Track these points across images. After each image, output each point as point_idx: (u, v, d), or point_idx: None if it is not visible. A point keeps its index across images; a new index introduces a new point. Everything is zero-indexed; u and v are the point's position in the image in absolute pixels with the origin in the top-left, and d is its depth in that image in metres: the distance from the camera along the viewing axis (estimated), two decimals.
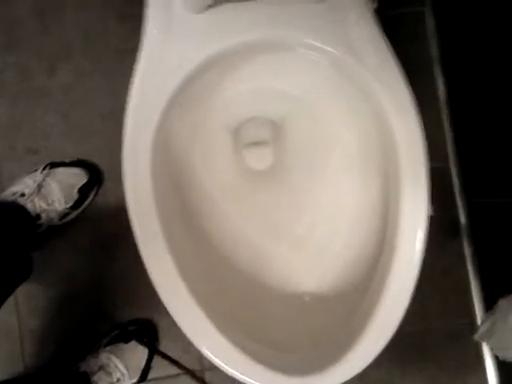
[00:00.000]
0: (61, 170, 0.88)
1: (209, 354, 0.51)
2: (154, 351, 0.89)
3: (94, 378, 0.81)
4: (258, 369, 0.51)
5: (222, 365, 0.51)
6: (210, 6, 0.56)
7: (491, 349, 0.83)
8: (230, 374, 0.52)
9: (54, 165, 0.89)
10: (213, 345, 0.52)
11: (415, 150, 0.56)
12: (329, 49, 0.56)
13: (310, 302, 0.64)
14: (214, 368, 0.81)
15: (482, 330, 0.65)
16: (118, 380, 0.84)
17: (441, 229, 0.97)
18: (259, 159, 0.73)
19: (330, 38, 0.56)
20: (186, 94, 0.58)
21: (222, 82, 0.65)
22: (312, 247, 0.69)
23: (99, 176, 0.92)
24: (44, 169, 0.87)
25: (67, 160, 0.90)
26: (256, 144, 0.72)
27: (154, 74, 0.56)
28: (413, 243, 0.55)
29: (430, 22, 0.98)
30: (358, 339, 0.52)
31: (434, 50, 0.98)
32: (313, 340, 0.57)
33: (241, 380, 0.52)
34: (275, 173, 0.73)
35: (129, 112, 0.55)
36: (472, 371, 0.96)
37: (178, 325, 0.52)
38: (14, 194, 0.83)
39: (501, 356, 0.61)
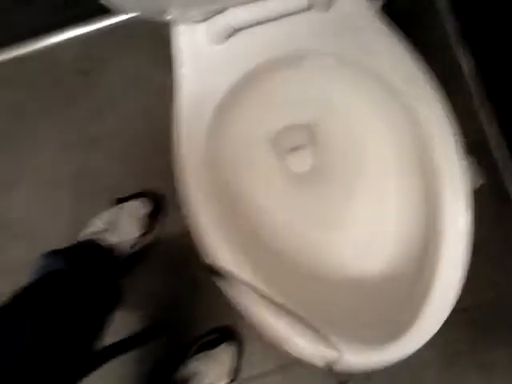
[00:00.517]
0: (127, 204, 0.97)
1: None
2: (240, 350, 0.96)
3: None
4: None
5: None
6: (230, 36, 0.63)
7: None
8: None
9: (120, 200, 0.98)
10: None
11: (445, 133, 0.59)
12: (345, 54, 0.60)
13: (368, 284, 0.68)
14: (299, 362, 0.88)
15: None
16: None
17: (492, 198, 0.97)
18: (300, 162, 0.77)
19: (344, 43, 0.61)
20: (226, 114, 0.64)
21: (254, 98, 0.71)
22: (362, 234, 0.72)
23: (163, 201, 1.00)
24: (113, 206, 0.96)
25: (131, 193, 0.99)
26: (295, 149, 0.77)
27: (194, 105, 0.63)
28: (459, 220, 0.58)
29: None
30: (418, 315, 0.56)
31: (450, 27, 0.98)
32: (377, 318, 0.61)
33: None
34: (317, 172, 0.78)
35: (178, 142, 0.62)
36: None
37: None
38: (90, 234, 0.91)
39: None
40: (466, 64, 0.98)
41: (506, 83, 0.92)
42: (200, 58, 0.64)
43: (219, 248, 0.59)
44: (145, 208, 0.97)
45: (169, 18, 0.59)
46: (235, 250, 0.60)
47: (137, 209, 0.97)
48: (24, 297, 0.64)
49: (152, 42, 1.03)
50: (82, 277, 0.75)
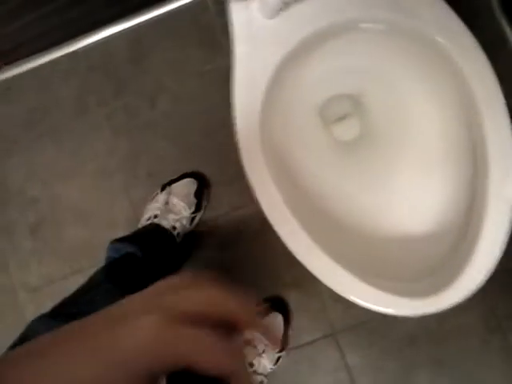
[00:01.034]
0: (175, 185, 1.04)
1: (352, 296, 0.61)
2: (289, 319, 1.01)
3: None
4: (391, 298, 0.60)
5: (362, 302, 0.61)
6: (281, 10, 0.68)
7: None
8: (367, 307, 0.61)
9: (168, 184, 1.05)
10: (353, 288, 0.62)
11: (493, 98, 0.62)
12: (390, 17, 0.64)
13: (418, 236, 0.71)
14: (344, 330, 0.91)
15: None
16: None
17: None
18: (346, 131, 0.82)
19: (387, 8, 0.64)
20: (277, 86, 0.69)
21: (303, 69, 0.75)
22: (409, 195, 0.76)
23: (205, 180, 1.07)
24: (162, 190, 1.03)
25: (176, 176, 1.06)
26: (341, 118, 0.81)
27: (250, 78, 0.68)
28: (502, 183, 0.61)
29: None
30: (467, 265, 0.59)
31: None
32: (429, 269, 0.65)
33: (377, 310, 0.61)
34: (363, 140, 0.82)
35: (236, 104, 0.67)
36: None
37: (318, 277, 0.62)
38: (149, 219, 0.99)
39: None
40: (508, 32, 0.99)
41: None
42: (254, 33, 0.68)
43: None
44: (191, 187, 1.04)
45: None
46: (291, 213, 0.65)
47: (185, 188, 1.03)
48: (113, 268, 0.81)
49: (193, 29, 1.09)
50: (151, 260, 0.86)
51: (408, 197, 0.76)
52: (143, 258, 0.85)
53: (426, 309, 0.60)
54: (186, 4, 1.09)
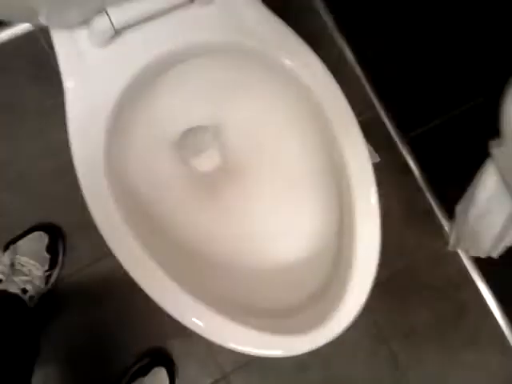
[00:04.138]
0: (20, 242, 0.90)
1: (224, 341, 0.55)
2: (173, 370, 0.92)
3: None
4: (272, 339, 0.55)
5: (236, 347, 0.55)
6: (113, 37, 0.60)
7: (466, 251, 0.90)
8: (246, 352, 0.55)
9: (11, 242, 0.91)
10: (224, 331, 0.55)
11: (342, 109, 0.62)
12: (231, 40, 0.61)
13: (292, 264, 0.69)
14: (235, 370, 0.85)
15: (451, 239, 0.72)
16: None
17: (392, 171, 1.04)
18: (205, 163, 0.76)
19: (230, 32, 0.61)
20: (122, 123, 0.61)
21: (152, 101, 0.68)
22: (278, 227, 0.73)
23: (58, 231, 0.94)
24: (5, 249, 0.89)
25: (21, 231, 0.92)
26: (200, 149, 0.76)
27: (85, 114, 0.59)
28: (368, 198, 0.60)
29: None
30: (344, 295, 0.57)
31: (325, 18, 1.05)
32: (307, 300, 0.62)
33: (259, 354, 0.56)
34: (227, 171, 0.77)
35: (75, 156, 0.58)
36: (463, 284, 1.03)
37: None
38: None
39: (474, 253, 0.67)
40: (346, 51, 1.05)
41: (385, 68, 1.01)
42: (85, 65, 0.60)
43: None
44: (41, 242, 0.90)
45: (42, 21, 0.54)
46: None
47: (34, 243, 0.90)
48: None
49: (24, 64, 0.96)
50: None
51: (277, 224, 0.73)
52: None
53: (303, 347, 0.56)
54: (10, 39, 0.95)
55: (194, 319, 0.55)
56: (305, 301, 0.64)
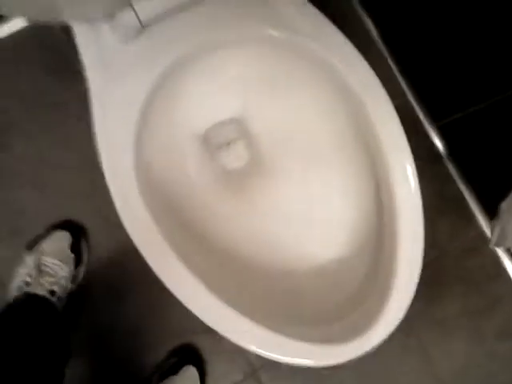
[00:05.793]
0: (44, 242, 0.88)
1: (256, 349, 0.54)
2: (203, 368, 0.91)
3: None
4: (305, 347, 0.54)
5: (269, 354, 0.54)
6: (139, 33, 0.56)
7: (508, 250, 0.87)
8: (275, 359, 0.54)
9: (34, 241, 0.89)
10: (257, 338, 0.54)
11: (379, 99, 0.58)
12: (267, 32, 0.57)
13: (330, 273, 0.66)
14: (264, 365, 0.84)
15: (494, 237, 0.69)
16: None
17: (421, 158, 1.00)
18: (234, 158, 0.73)
19: (263, 22, 0.57)
20: (150, 120, 0.58)
21: (178, 96, 0.65)
22: (313, 224, 0.70)
23: (80, 228, 0.92)
24: (29, 249, 0.87)
25: (44, 231, 0.90)
26: (228, 144, 0.72)
27: (112, 115, 0.56)
28: (408, 187, 0.58)
29: None
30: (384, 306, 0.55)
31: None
32: (340, 310, 0.60)
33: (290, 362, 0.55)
34: (256, 166, 0.74)
35: (102, 154, 0.55)
36: (496, 275, 1.00)
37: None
38: (19, 287, 0.82)
39: None
40: (373, 33, 1.00)
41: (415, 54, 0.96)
42: (110, 62, 0.57)
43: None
44: (63, 241, 0.88)
45: (65, 18, 0.51)
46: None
47: (57, 243, 0.88)
48: None
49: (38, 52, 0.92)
50: (27, 342, 0.68)
51: (312, 220, 0.70)
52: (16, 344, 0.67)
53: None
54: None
55: (231, 331, 0.53)
56: (342, 304, 0.61)
